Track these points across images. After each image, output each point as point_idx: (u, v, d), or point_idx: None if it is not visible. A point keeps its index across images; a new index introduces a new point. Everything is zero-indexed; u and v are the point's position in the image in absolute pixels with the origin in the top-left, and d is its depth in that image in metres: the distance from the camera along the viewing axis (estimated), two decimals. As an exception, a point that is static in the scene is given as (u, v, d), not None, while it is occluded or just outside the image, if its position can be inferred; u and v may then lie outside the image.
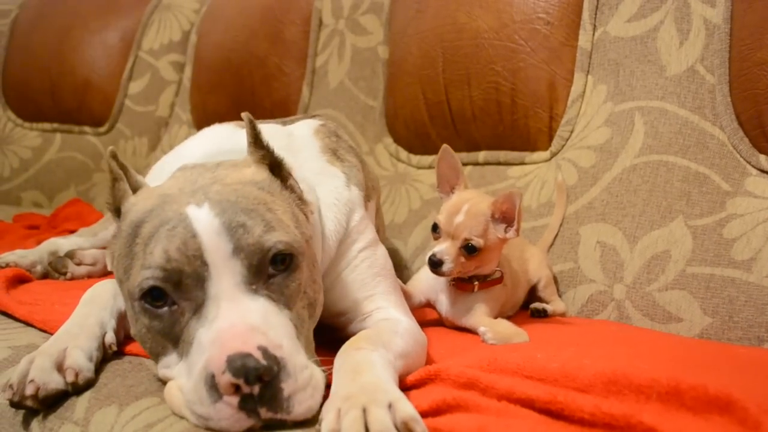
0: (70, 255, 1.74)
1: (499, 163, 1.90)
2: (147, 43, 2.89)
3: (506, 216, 1.33)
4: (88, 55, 2.93)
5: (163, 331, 0.97)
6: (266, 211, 1.00)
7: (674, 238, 1.49)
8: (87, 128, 2.90)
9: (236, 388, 0.87)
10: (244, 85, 2.50)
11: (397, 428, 0.80)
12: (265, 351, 0.88)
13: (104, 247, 1.84)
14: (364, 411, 0.82)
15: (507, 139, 1.89)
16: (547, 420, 0.85)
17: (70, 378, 1.02)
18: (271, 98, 2.44)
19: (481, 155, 1.93)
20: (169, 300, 0.95)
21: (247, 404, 0.87)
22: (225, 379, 0.86)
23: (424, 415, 0.84)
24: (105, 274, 1.75)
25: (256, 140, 1.10)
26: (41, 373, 1.00)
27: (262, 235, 0.96)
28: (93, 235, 1.85)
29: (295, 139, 1.37)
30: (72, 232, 1.99)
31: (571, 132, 1.76)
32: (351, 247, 1.29)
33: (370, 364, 0.94)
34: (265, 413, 0.88)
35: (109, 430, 0.96)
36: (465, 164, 1.95)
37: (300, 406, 0.89)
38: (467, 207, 1.33)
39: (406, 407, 0.83)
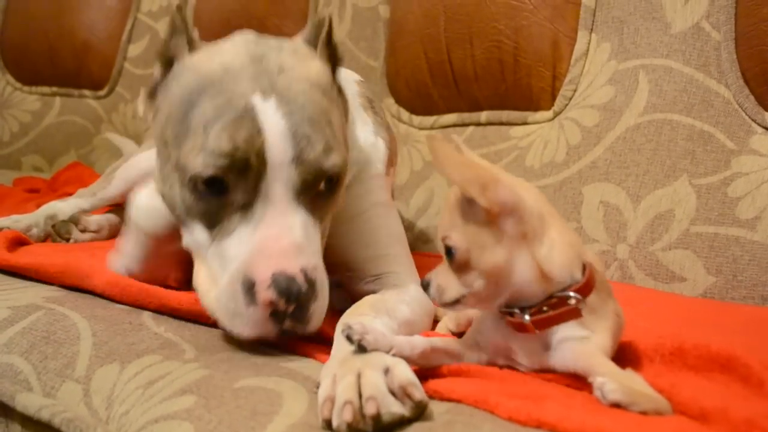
0: (74, 221, 1.72)
1: (501, 123, 1.87)
2: (146, 4, 2.85)
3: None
4: (87, 17, 2.89)
5: (203, 213, 0.98)
6: (327, 125, 1.00)
7: (678, 197, 1.48)
8: (86, 92, 2.87)
9: (272, 303, 0.92)
10: (244, 47, 2.47)
11: (394, 394, 0.77)
12: (305, 274, 0.93)
13: (105, 208, 1.83)
14: (359, 376, 0.78)
15: (509, 99, 1.86)
16: (550, 384, 0.84)
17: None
18: (271, 59, 2.41)
19: (483, 115, 1.91)
20: (222, 188, 0.96)
21: (277, 316, 0.93)
22: (267, 294, 0.91)
23: (424, 378, 0.83)
24: (109, 238, 1.73)
25: (329, 38, 1.09)
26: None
27: (322, 154, 0.97)
28: (92, 195, 1.83)
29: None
30: (72, 195, 1.98)
31: (575, 91, 1.74)
32: (366, 197, 1.24)
33: None
34: (287, 324, 0.94)
35: (111, 387, 0.96)
36: (466, 125, 1.94)
37: (315, 320, 0.96)
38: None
39: (404, 371, 0.79)
